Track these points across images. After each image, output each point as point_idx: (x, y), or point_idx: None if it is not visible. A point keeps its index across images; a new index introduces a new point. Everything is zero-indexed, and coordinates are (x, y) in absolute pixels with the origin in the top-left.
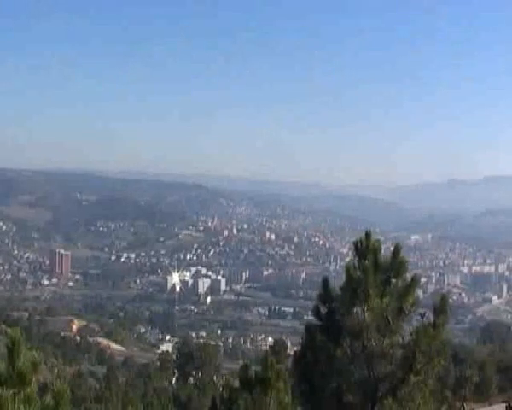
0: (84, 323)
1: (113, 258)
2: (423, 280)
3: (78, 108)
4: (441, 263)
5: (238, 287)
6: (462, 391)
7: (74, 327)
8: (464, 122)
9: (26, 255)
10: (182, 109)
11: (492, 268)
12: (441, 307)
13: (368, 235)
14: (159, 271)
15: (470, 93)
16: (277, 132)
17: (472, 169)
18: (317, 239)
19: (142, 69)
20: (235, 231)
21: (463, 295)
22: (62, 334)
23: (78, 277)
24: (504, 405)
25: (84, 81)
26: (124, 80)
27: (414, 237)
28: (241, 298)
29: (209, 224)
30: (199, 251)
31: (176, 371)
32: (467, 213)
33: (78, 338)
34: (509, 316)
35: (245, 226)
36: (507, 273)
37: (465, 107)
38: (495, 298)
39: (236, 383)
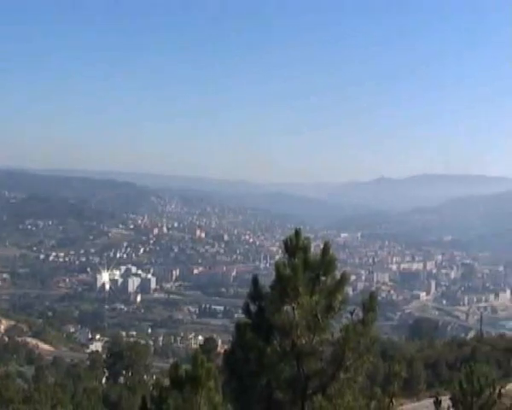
0: (13, 323)
1: (41, 257)
2: (353, 278)
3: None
4: (370, 261)
5: (168, 285)
6: (390, 387)
7: (2, 327)
8: (392, 121)
9: None
10: (112, 107)
11: (420, 266)
12: (370, 304)
13: (297, 233)
14: (88, 269)
15: (399, 93)
16: (207, 131)
17: (400, 168)
18: (247, 237)
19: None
20: (165, 230)
21: (392, 292)
22: None
23: (5, 276)
24: (432, 400)
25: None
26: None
27: (343, 235)
28: (171, 297)
29: (139, 222)
30: (129, 249)
31: (106, 371)
32: (395, 212)
33: (6, 338)
34: (437, 312)
35: (175, 224)
36: (435, 271)
37: (394, 106)
38: (423, 295)
39: (167, 382)
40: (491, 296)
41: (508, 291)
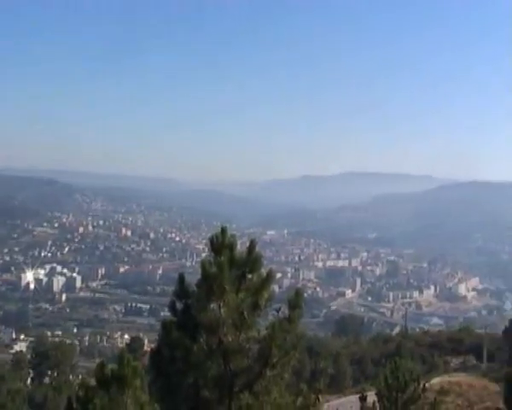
0: None
1: None
2: (279, 275)
3: None
4: (296, 258)
5: (94, 284)
6: (317, 383)
7: None
8: (317, 120)
9: None
10: (33, 104)
11: (346, 263)
12: (296, 301)
13: (223, 231)
14: (12, 269)
15: (319, 93)
16: (133, 129)
17: (326, 165)
18: (173, 235)
19: None
20: (90, 228)
21: (318, 289)
22: None
23: None
24: (358, 396)
25: None
26: None
27: (270, 233)
28: (96, 295)
29: (64, 220)
30: (54, 248)
31: (31, 372)
32: (321, 209)
33: None
34: (362, 309)
35: (100, 223)
36: (360, 268)
37: (317, 105)
38: (348, 292)
39: (93, 382)
40: (416, 293)
41: (432, 288)
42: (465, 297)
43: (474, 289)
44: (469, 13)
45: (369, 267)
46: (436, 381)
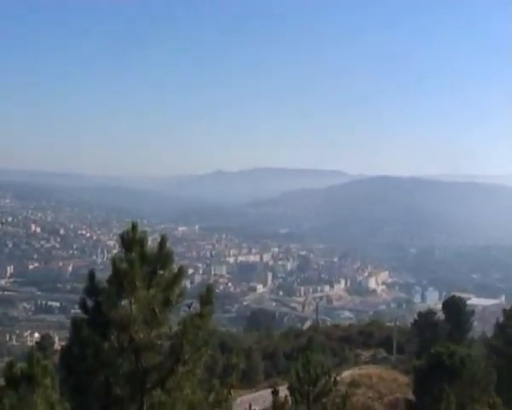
0: None
1: None
2: (190, 271)
3: None
4: (208, 254)
5: (2, 282)
6: (229, 379)
7: None
8: (228, 115)
9: None
10: None
11: (257, 258)
12: (207, 297)
13: (134, 227)
14: None
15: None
16: (40, 124)
17: (239, 161)
18: (83, 232)
19: None
20: None
21: (230, 284)
22: None
23: None
24: (270, 390)
25: None
26: None
27: (181, 229)
28: (5, 293)
29: None
30: None
31: None
32: (233, 204)
33: None
34: (274, 304)
35: (9, 219)
36: (271, 263)
37: (227, 100)
38: (260, 287)
39: (1, 382)
40: (327, 287)
41: (342, 282)
42: (375, 291)
43: (383, 283)
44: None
45: (280, 262)
46: (347, 374)
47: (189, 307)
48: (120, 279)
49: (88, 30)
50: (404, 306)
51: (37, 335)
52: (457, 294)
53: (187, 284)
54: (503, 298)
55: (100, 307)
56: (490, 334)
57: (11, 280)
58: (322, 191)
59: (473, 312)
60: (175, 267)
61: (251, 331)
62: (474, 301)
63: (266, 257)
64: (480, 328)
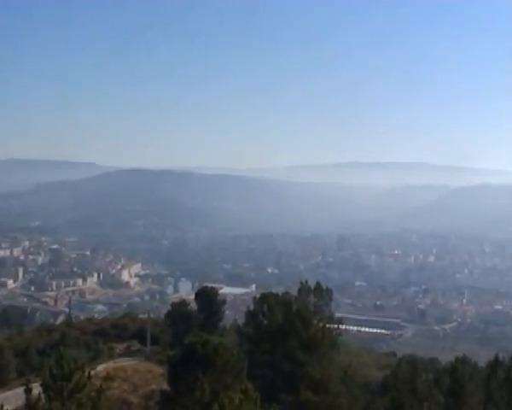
0: None
1: None
2: None
3: None
4: None
5: None
6: None
7: None
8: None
9: None
10: None
11: (8, 252)
12: None
13: None
14: None
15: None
16: None
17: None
18: None
19: None
20: None
21: None
22: None
23: None
24: (23, 388)
25: None
26: None
27: None
28: None
29: None
30: None
31: None
32: None
33: None
34: (26, 299)
35: None
36: (22, 257)
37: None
38: (11, 282)
39: None
40: (80, 281)
41: (95, 275)
42: (128, 283)
43: (136, 275)
44: None
45: (31, 256)
46: (101, 368)
47: None
48: None
49: None
50: (157, 297)
51: None
52: (209, 284)
53: None
54: (253, 287)
55: None
56: (241, 322)
57: None
58: (75, 183)
59: (224, 301)
60: None
61: (1, 329)
62: (225, 290)
63: (17, 251)
64: (232, 316)
